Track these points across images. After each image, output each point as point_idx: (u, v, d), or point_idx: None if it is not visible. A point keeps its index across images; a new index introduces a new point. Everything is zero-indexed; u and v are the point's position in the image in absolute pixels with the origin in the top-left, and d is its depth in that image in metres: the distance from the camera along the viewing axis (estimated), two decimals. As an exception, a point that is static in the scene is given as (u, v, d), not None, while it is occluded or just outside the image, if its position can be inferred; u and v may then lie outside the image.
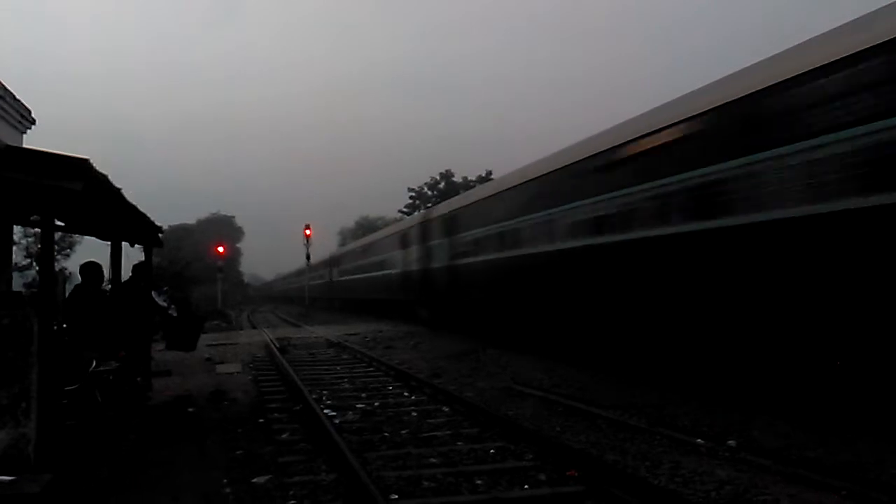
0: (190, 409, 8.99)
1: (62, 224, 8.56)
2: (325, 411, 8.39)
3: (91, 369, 7.30)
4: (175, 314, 16.12)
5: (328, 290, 45.64)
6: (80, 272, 8.55)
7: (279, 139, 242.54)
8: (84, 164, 5.17)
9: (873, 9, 6.67)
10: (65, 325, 7.83)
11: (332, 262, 44.91)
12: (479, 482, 5.56)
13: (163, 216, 10.72)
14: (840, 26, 7.03)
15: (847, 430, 6.41)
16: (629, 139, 9.92)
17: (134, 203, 7.30)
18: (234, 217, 74.08)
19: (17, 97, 11.99)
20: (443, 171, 60.75)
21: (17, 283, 19.64)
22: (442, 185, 59.47)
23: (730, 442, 6.35)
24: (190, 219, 70.25)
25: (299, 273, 54.14)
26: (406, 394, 9.96)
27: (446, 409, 8.58)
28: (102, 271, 8.73)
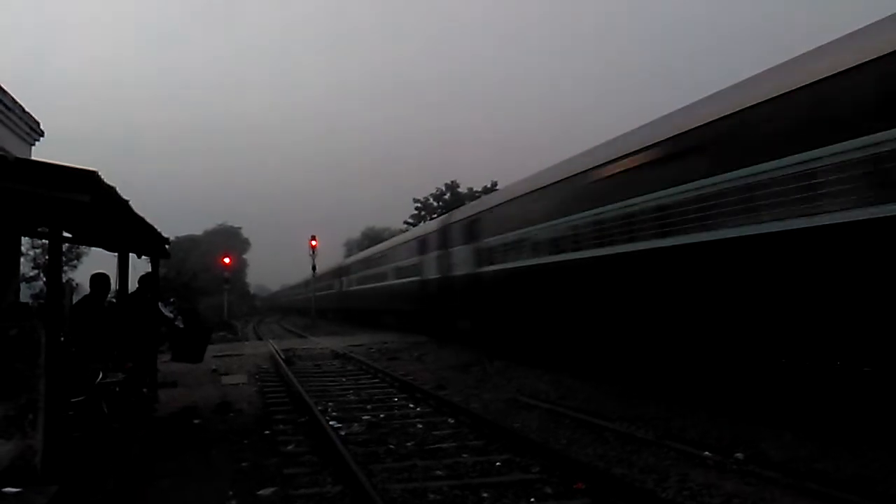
0: (196, 421, 8.99)
1: (70, 235, 8.61)
2: (331, 423, 8.37)
3: (97, 381, 7.32)
4: (182, 325, 16.20)
5: (417, 300, 22.73)
6: (90, 283, 8.61)
7: (283, 150, 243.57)
8: (92, 176, 5.21)
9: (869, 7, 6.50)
10: (70, 336, 7.86)
11: (428, 242, 21.48)
12: (485, 495, 5.53)
13: (170, 227, 10.78)
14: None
15: (855, 442, 6.36)
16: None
17: (141, 215, 7.34)
18: (240, 228, 74.42)
19: (26, 109, 12.09)
20: (448, 181, 60.96)
21: (25, 294, 19.72)
22: (447, 195, 59.59)
23: (738, 454, 6.30)
24: (197, 230, 70.57)
25: (336, 274, 42.56)
26: (411, 405, 9.93)
27: (452, 421, 8.56)
28: (109, 283, 8.78)
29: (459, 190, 59.44)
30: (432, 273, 20.73)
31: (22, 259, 14.99)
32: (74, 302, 9.33)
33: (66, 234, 7.73)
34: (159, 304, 11.82)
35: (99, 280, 8.53)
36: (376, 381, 12.90)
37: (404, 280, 24.67)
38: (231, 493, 5.69)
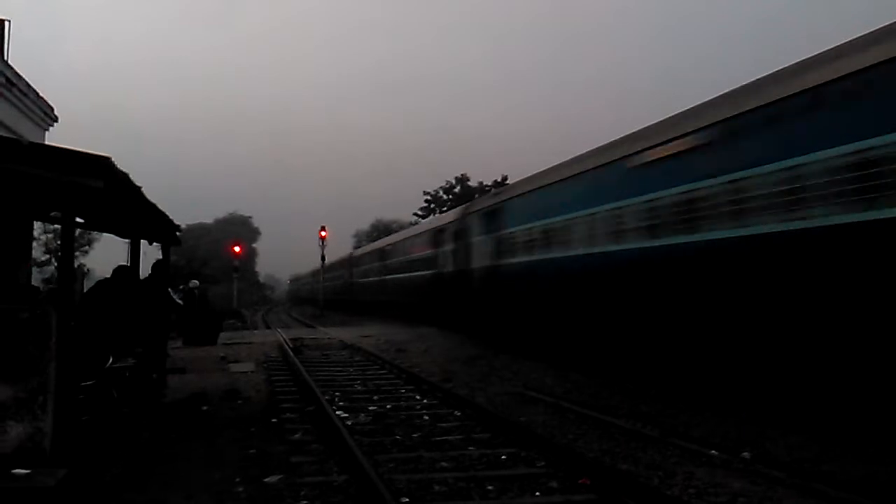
0: (204, 408, 9.04)
1: (82, 221, 8.66)
2: (338, 412, 8.41)
3: (108, 366, 7.37)
4: (181, 302, 16.35)
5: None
6: (114, 272, 8.79)
7: (294, 141, 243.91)
8: (106, 162, 5.23)
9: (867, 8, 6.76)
10: (82, 320, 7.93)
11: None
12: (490, 487, 5.54)
13: (181, 215, 10.82)
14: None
15: (863, 443, 6.32)
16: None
17: (153, 201, 7.37)
18: (250, 217, 74.32)
19: (41, 94, 12.16)
20: (458, 175, 60.85)
21: (36, 278, 19.88)
22: (458, 188, 59.50)
23: (744, 454, 6.28)
24: (207, 218, 70.64)
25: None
26: (418, 397, 9.95)
27: (458, 414, 8.57)
28: (133, 276, 8.95)
29: (470, 183, 59.33)
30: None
31: (34, 243, 15.11)
32: (87, 287, 9.45)
33: (78, 220, 7.77)
34: (169, 290, 11.89)
35: (122, 271, 8.70)
36: (383, 371, 12.93)
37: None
38: (238, 479, 5.73)
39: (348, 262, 45.26)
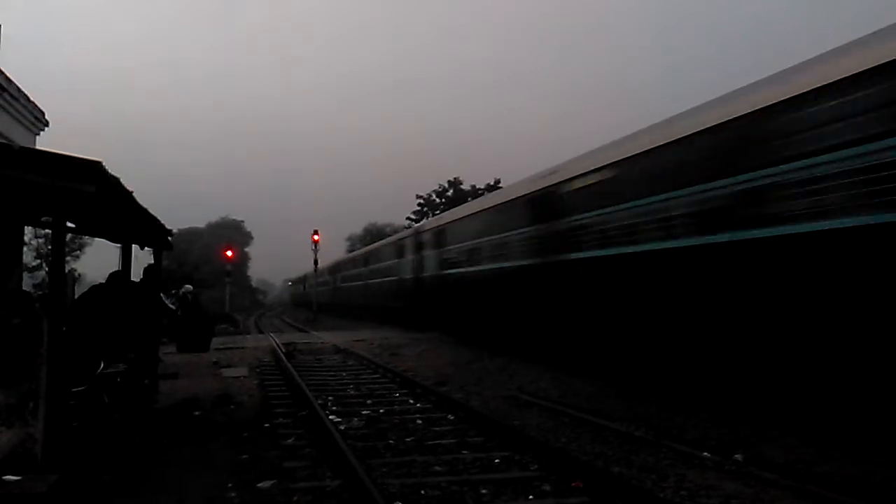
0: (196, 413, 9.00)
1: (73, 225, 8.63)
2: (331, 417, 8.38)
3: (99, 371, 7.34)
4: (180, 312, 16.30)
5: None
6: (108, 279, 8.77)
7: (287, 145, 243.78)
8: (97, 166, 5.21)
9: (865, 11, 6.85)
10: (73, 325, 7.90)
11: None
12: (483, 491, 5.54)
13: (173, 220, 10.78)
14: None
15: (857, 445, 6.35)
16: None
17: (145, 206, 7.35)
18: (243, 221, 74.10)
19: (31, 99, 12.10)
20: (451, 178, 60.90)
21: (27, 284, 19.77)
22: (450, 192, 59.54)
23: (737, 456, 6.30)
24: (200, 222, 70.41)
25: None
26: (411, 401, 9.94)
27: (452, 418, 8.56)
28: (126, 282, 8.93)
29: (462, 187, 59.37)
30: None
31: (25, 248, 15.04)
32: (79, 292, 9.42)
33: (69, 225, 7.73)
34: (161, 295, 11.85)
35: (117, 276, 8.68)
36: (377, 376, 12.91)
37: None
38: (230, 485, 5.71)
39: (411, 245, 24.65)
